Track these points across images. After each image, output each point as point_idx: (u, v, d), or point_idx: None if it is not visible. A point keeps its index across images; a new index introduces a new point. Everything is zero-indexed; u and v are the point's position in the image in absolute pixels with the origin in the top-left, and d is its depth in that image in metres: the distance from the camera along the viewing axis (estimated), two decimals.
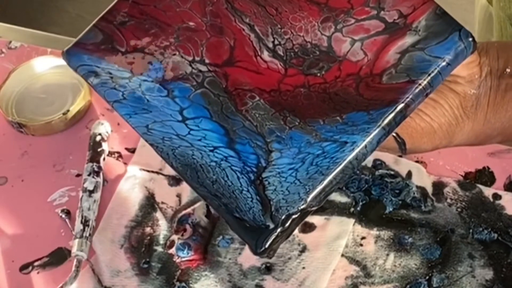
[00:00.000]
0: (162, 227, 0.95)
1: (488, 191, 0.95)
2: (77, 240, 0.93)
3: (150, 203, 0.98)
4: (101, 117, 1.07)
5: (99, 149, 1.01)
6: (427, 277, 0.89)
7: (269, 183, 0.64)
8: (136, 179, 1.00)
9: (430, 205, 0.94)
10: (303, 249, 0.92)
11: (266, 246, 0.63)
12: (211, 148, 0.66)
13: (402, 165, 0.98)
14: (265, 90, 0.67)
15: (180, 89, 0.68)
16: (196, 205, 0.96)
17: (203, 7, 0.71)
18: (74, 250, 0.92)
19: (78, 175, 1.01)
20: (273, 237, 0.63)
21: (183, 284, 0.90)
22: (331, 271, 0.90)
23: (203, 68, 0.69)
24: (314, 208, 0.64)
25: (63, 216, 0.97)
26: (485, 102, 0.72)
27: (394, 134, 0.71)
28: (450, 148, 0.76)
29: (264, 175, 0.64)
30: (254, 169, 0.64)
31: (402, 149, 0.73)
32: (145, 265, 0.92)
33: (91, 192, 0.97)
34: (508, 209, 0.94)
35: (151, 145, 0.68)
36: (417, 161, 0.98)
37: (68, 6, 2.65)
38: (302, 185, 0.63)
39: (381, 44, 0.67)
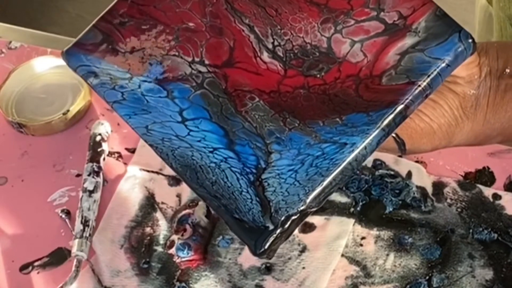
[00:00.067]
0: (162, 227, 0.95)
1: (488, 191, 0.95)
2: (77, 240, 0.93)
3: (150, 203, 0.98)
4: (101, 117, 1.07)
5: (99, 149, 1.01)
6: (427, 277, 0.89)
7: (268, 184, 0.64)
8: (136, 179, 1.00)
9: (430, 205, 0.94)
10: (303, 249, 0.92)
11: (266, 247, 0.63)
12: (211, 149, 0.66)
13: (402, 165, 0.98)
14: (265, 91, 0.67)
15: (179, 90, 0.68)
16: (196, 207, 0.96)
17: (202, 7, 0.71)
18: (74, 250, 0.92)
19: (78, 175, 1.01)
20: (272, 238, 0.63)
21: (183, 284, 0.90)
22: (331, 271, 0.90)
23: (203, 69, 0.69)
24: (313, 209, 0.64)
25: (63, 216, 0.97)
26: (485, 103, 0.72)
27: (394, 135, 0.71)
28: (450, 148, 0.76)
29: (263, 176, 0.64)
30: (254, 170, 0.64)
31: (401, 149, 0.73)
32: (145, 265, 0.92)
33: (91, 192, 0.97)
34: (508, 209, 0.94)
35: (151, 145, 0.68)
36: (417, 161, 0.98)
37: (68, 6, 2.65)
38: (302, 186, 0.63)
39: (380, 46, 0.67)
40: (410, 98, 0.65)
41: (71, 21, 2.59)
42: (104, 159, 1.01)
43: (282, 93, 0.67)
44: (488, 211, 0.93)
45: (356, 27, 0.68)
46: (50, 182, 1.01)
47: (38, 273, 0.93)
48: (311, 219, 0.94)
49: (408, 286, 0.88)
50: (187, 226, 0.94)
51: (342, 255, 0.91)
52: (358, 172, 0.96)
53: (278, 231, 0.63)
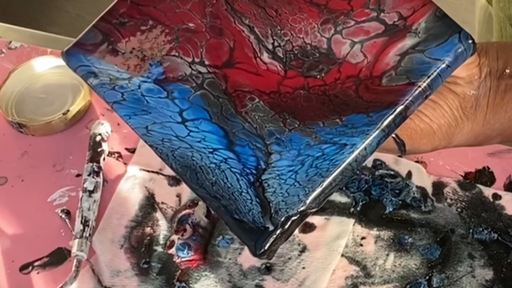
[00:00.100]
0: (162, 227, 0.95)
1: (488, 191, 0.95)
2: (77, 240, 0.93)
3: (150, 203, 0.98)
4: (101, 117, 1.07)
5: (99, 149, 1.01)
6: (427, 277, 0.89)
7: (268, 185, 0.64)
8: (136, 179, 1.00)
9: (430, 205, 0.94)
10: (303, 249, 0.92)
11: (266, 248, 0.63)
12: (211, 150, 0.66)
13: (402, 165, 0.98)
14: (265, 92, 0.67)
15: (179, 90, 0.68)
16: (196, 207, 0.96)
17: (202, 8, 0.71)
18: (74, 250, 0.92)
19: (78, 175, 1.01)
20: (272, 239, 0.63)
21: (183, 284, 0.90)
22: (331, 271, 0.90)
23: (203, 70, 0.69)
24: (313, 210, 0.64)
25: (63, 216, 0.97)
26: (485, 103, 0.72)
27: (394, 135, 0.71)
28: (450, 148, 0.76)
29: (263, 177, 0.64)
30: (254, 171, 0.64)
31: (401, 150, 0.73)
32: (145, 265, 0.92)
33: (91, 192, 0.97)
34: (508, 209, 0.94)
35: (151, 146, 0.68)
36: (417, 161, 0.98)
37: (68, 6, 2.65)
38: (302, 187, 0.63)
39: (381, 46, 0.67)
40: (410, 99, 0.65)
41: (71, 21, 2.59)
42: (104, 159, 1.01)
43: (282, 94, 0.66)
44: (488, 211, 0.93)
45: (356, 28, 0.68)
46: (50, 182, 1.01)
47: (38, 273, 0.93)
48: (311, 219, 0.94)
49: (408, 286, 0.88)
50: (187, 226, 0.95)
51: (342, 255, 0.91)
52: (358, 172, 0.96)
53: (278, 231, 0.63)
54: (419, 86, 0.65)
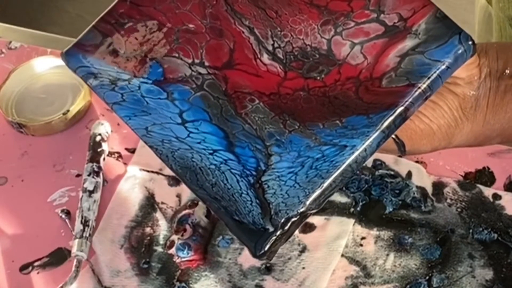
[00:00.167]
0: (162, 227, 0.95)
1: (488, 191, 0.95)
2: (77, 240, 0.93)
3: (150, 203, 0.98)
4: (101, 117, 1.07)
5: (99, 149, 1.01)
6: (427, 277, 0.89)
7: (268, 186, 0.64)
8: (136, 179, 1.00)
9: (430, 205, 0.94)
10: (303, 249, 0.92)
11: (266, 249, 0.63)
12: (211, 151, 0.66)
13: (402, 165, 0.98)
14: (265, 93, 0.67)
15: (179, 91, 0.68)
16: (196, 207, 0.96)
17: (202, 9, 0.71)
18: (74, 250, 0.92)
19: (78, 175, 1.01)
20: (272, 240, 0.63)
21: (183, 284, 0.90)
22: (331, 271, 0.90)
23: (203, 71, 0.68)
24: (313, 211, 0.64)
25: (63, 216, 0.97)
26: (484, 104, 0.72)
27: (394, 136, 0.71)
28: (450, 148, 0.76)
29: (263, 178, 0.64)
30: (254, 173, 0.64)
31: (401, 150, 0.73)
32: (145, 265, 0.92)
33: (91, 192, 0.97)
34: (508, 209, 0.94)
35: (151, 147, 0.68)
36: (417, 161, 0.98)
37: (68, 6, 2.65)
38: (302, 188, 0.63)
39: (381, 48, 0.66)
40: (410, 100, 0.65)
41: (71, 21, 2.59)
42: (104, 159, 1.01)
43: (282, 95, 0.66)
44: (488, 211, 0.93)
45: (356, 29, 0.68)
46: (50, 182, 1.01)
47: (38, 273, 0.93)
48: (311, 219, 0.94)
49: (408, 286, 0.88)
50: (187, 226, 0.95)
51: (342, 255, 0.91)
52: (358, 172, 0.96)
53: (278, 233, 0.63)
54: (419, 88, 0.65)
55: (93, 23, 0.72)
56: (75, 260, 0.91)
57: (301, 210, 0.63)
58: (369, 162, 0.98)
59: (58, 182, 1.01)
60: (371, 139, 0.64)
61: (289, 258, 0.91)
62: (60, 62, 1.06)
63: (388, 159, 0.98)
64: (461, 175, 0.97)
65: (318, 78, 0.67)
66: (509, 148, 0.99)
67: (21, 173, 1.03)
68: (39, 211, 0.98)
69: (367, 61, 0.66)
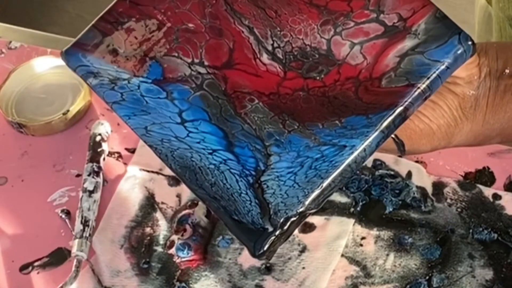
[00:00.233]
0: (162, 227, 0.95)
1: (488, 191, 0.95)
2: (77, 240, 0.93)
3: (150, 203, 0.98)
4: (101, 117, 1.07)
5: (99, 149, 1.01)
6: (427, 277, 0.89)
7: (267, 186, 0.64)
8: (136, 179, 1.00)
9: (430, 205, 0.94)
10: (303, 249, 0.92)
11: (265, 248, 0.63)
12: (210, 151, 0.66)
13: (402, 165, 0.98)
14: (264, 93, 0.67)
15: (179, 91, 0.68)
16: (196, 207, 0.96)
17: (202, 8, 0.71)
18: (74, 250, 0.92)
19: (78, 175, 1.01)
20: (271, 239, 0.63)
21: (183, 284, 0.90)
22: (331, 271, 0.90)
23: (202, 70, 0.68)
24: (313, 211, 0.64)
25: (63, 216, 0.97)
26: (484, 103, 0.72)
27: (393, 136, 0.71)
28: (450, 148, 0.76)
29: (262, 178, 0.64)
30: (253, 173, 0.64)
31: (400, 150, 0.73)
32: (145, 265, 0.92)
33: (91, 192, 0.97)
34: (508, 209, 0.94)
35: (150, 146, 0.68)
36: (417, 161, 0.98)
37: (68, 6, 2.65)
38: (301, 188, 0.63)
39: (380, 48, 0.66)
40: (409, 100, 0.65)
41: (71, 21, 2.59)
42: (104, 159, 1.01)
43: (282, 95, 0.66)
44: (488, 211, 0.93)
45: (355, 29, 0.67)
46: (50, 182, 1.01)
47: (38, 273, 0.93)
48: (311, 219, 0.94)
49: (408, 286, 0.88)
50: (187, 226, 0.95)
51: (342, 255, 0.91)
52: (358, 172, 0.96)
53: (277, 232, 0.63)
54: (419, 88, 0.65)
55: (93, 22, 0.72)
56: (75, 260, 0.91)
57: (300, 210, 0.63)
58: (369, 162, 0.98)
59: (58, 182, 1.01)
60: (370, 139, 0.64)
61: (289, 258, 0.91)
62: (60, 62, 1.06)
63: (388, 159, 0.98)
64: (461, 175, 0.97)
65: (318, 78, 0.67)
66: (509, 148, 0.99)
67: (21, 173, 1.03)
68: (39, 211, 0.98)
69: (367, 61, 0.66)
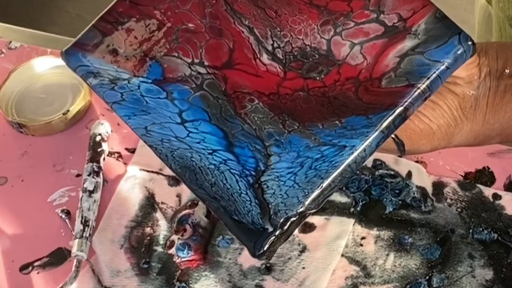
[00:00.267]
0: (162, 227, 0.95)
1: (488, 191, 0.95)
2: (77, 240, 0.93)
3: (150, 203, 0.98)
4: (101, 117, 1.07)
5: (99, 149, 1.01)
6: (427, 277, 0.89)
7: (267, 186, 0.64)
8: (136, 179, 1.00)
9: (430, 205, 0.94)
10: (303, 249, 0.92)
11: (265, 248, 0.63)
12: (210, 151, 0.66)
13: (402, 165, 0.98)
14: (264, 93, 0.67)
15: (179, 91, 0.68)
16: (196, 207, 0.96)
17: (202, 8, 0.71)
18: (74, 250, 0.92)
19: (78, 175, 1.01)
20: (271, 239, 0.63)
21: (183, 284, 0.90)
22: (331, 271, 0.90)
23: (202, 70, 0.68)
24: (312, 211, 0.64)
25: (63, 216, 0.97)
26: (484, 103, 0.72)
27: (393, 136, 0.71)
28: (450, 148, 0.76)
29: (262, 178, 0.64)
30: (253, 173, 0.64)
31: (400, 150, 0.73)
32: (145, 265, 0.92)
33: (91, 192, 0.97)
34: (508, 209, 0.94)
35: (150, 146, 0.68)
36: (417, 161, 0.98)
37: (68, 6, 2.65)
38: (301, 188, 0.63)
39: (380, 48, 0.66)
40: (409, 100, 0.65)
41: (71, 21, 2.59)
42: (104, 159, 1.01)
43: (282, 95, 0.66)
44: (488, 211, 0.93)
45: (355, 29, 0.67)
46: (50, 182, 1.01)
47: (38, 273, 0.93)
48: (311, 219, 0.94)
49: (408, 286, 0.88)
50: (187, 226, 0.95)
51: (342, 255, 0.91)
52: (358, 172, 0.96)
53: (277, 233, 0.63)
54: (419, 88, 0.65)
55: (93, 22, 0.72)
56: (75, 260, 0.91)
57: (300, 210, 0.63)
58: (369, 162, 0.98)
59: (58, 182, 1.01)
60: (370, 139, 0.64)
61: (289, 258, 0.91)
62: (60, 62, 1.06)
63: (388, 159, 0.98)
64: (461, 175, 0.97)
65: (318, 78, 0.67)
66: (509, 148, 0.99)
67: (21, 173, 1.03)
68: (39, 211, 0.98)
69: (367, 61, 0.66)
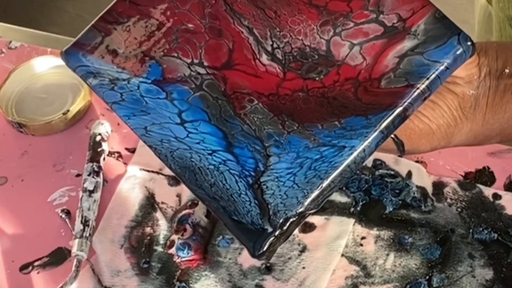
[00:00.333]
0: (162, 227, 0.95)
1: (488, 191, 0.95)
2: (77, 240, 0.93)
3: (150, 203, 0.98)
4: (101, 117, 1.07)
5: (99, 149, 1.01)
6: (427, 277, 0.89)
7: (267, 187, 0.64)
8: (136, 179, 1.00)
9: (430, 205, 0.94)
10: (303, 249, 0.92)
11: (264, 249, 0.63)
12: (210, 152, 0.66)
13: (402, 165, 0.98)
14: (264, 93, 0.67)
15: (178, 91, 0.68)
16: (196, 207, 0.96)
17: (202, 9, 0.71)
18: (74, 250, 0.92)
19: (78, 175, 1.01)
20: (271, 240, 0.63)
21: (183, 284, 0.90)
22: (331, 271, 0.90)
23: (202, 71, 0.68)
24: (312, 211, 0.64)
25: (63, 216, 0.97)
26: (484, 103, 0.72)
27: (393, 136, 0.71)
28: (450, 148, 0.76)
29: (262, 179, 0.64)
30: (252, 173, 0.64)
31: (400, 150, 0.73)
32: (145, 265, 0.92)
33: (91, 192, 0.97)
34: (508, 209, 0.93)
35: (150, 146, 0.68)
36: (417, 161, 0.98)
37: (68, 6, 2.65)
38: (300, 189, 0.63)
39: (380, 48, 0.66)
40: (408, 101, 0.65)
41: (71, 21, 2.59)
42: (104, 159, 1.01)
43: (281, 96, 0.66)
44: (488, 211, 0.93)
45: (355, 29, 0.67)
46: (50, 182, 1.01)
47: (38, 273, 0.93)
48: (311, 219, 0.94)
49: (408, 286, 0.88)
50: (187, 226, 0.95)
51: (342, 255, 0.91)
52: (358, 172, 0.96)
53: (277, 233, 0.63)
54: (418, 88, 0.65)
55: (93, 22, 0.72)
56: (75, 260, 0.91)
57: (300, 210, 0.63)
58: (369, 162, 0.98)
59: (58, 182, 1.01)
60: (369, 139, 0.64)
61: (289, 258, 0.91)
62: (60, 62, 1.06)
63: (388, 158, 0.98)
64: (461, 175, 0.97)
65: (317, 79, 0.67)
66: (509, 148, 0.98)
67: (21, 173, 1.03)
68: (39, 211, 0.98)
69: (366, 61, 0.66)
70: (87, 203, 0.96)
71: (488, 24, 1.17)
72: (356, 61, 0.66)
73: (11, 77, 1.09)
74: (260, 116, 0.66)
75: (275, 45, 0.68)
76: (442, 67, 0.65)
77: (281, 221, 0.63)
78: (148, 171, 1.00)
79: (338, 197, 0.95)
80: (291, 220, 0.63)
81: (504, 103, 0.72)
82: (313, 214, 0.65)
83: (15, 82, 1.09)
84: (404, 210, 0.94)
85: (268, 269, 0.91)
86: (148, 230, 0.95)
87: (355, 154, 0.64)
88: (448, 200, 0.95)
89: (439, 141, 0.73)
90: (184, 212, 0.96)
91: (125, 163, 1.02)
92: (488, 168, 0.97)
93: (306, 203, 0.63)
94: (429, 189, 0.96)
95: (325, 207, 0.94)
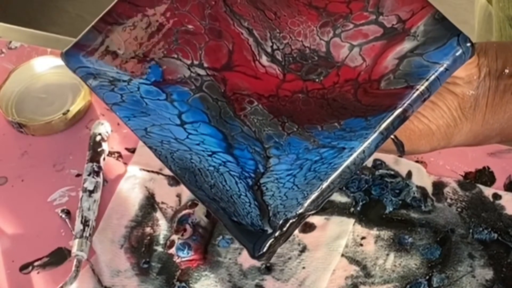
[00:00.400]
0: (162, 227, 0.95)
1: (488, 191, 0.95)
2: (77, 240, 0.93)
3: (150, 203, 0.98)
4: (101, 117, 1.07)
5: (99, 149, 1.01)
6: (427, 277, 0.89)
7: (267, 188, 0.64)
8: (136, 179, 1.00)
9: (430, 205, 0.94)
10: (303, 249, 0.92)
11: (264, 250, 0.63)
12: (210, 153, 0.66)
13: (402, 165, 0.98)
14: (264, 95, 0.67)
15: (178, 93, 0.68)
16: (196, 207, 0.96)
17: (202, 10, 0.71)
18: (74, 250, 0.92)
19: (78, 175, 1.01)
20: (270, 241, 0.63)
21: (183, 284, 0.90)
22: (331, 271, 0.90)
23: (202, 72, 0.68)
24: (312, 212, 0.64)
25: (63, 216, 0.97)
26: (484, 103, 0.72)
27: (392, 136, 0.71)
28: (450, 148, 0.76)
29: (262, 180, 0.64)
30: (252, 175, 0.64)
31: (400, 150, 0.73)
32: (145, 265, 0.92)
33: (91, 192, 0.97)
34: (508, 209, 0.93)
35: (150, 148, 0.68)
36: (417, 161, 0.98)
37: (68, 6, 2.65)
38: (300, 190, 0.63)
39: (379, 50, 0.66)
40: (408, 102, 0.65)
41: (71, 21, 2.59)
42: (104, 159, 1.01)
43: (281, 97, 0.66)
44: (488, 211, 0.93)
45: (355, 31, 0.67)
46: (50, 182, 1.01)
47: (38, 273, 0.93)
48: (311, 219, 0.94)
49: (408, 286, 0.88)
50: (187, 226, 0.95)
51: (342, 255, 0.91)
52: (358, 172, 0.96)
53: (277, 234, 0.63)
54: (418, 89, 0.65)
55: (93, 23, 0.72)
56: (75, 260, 0.91)
57: (299, 211, 0.63)
58: (369, 162, 0.98)
59: (58, 182, 1.01)
60: (369, 141, 0.64)
61: (289, 258, 0.91)
62: (60, 62, 1.06)
63: (388, 159, 0.98)
64: (461, 175, 0.97)
65: (317, 80, 0.67)
66: (509, 148, 0.98)
67: (21, 173, 1.03)
68: (39, 211, 0.98)
69: (366, 63, 0.66)
70: (87, 203, 0.96)
71: (488, 24, 1.17)
72: (356, 62, 0.66)
73: (11, 77, 1.09)
74: (260, 118, 0.66)
75: (275, 47, 0.68)
76: (441, 69, 0.65)
77: (280, 222, 0.63)
78: (148, 171, 1.00)
79: (338, 197, 0.96)
80: (291, 221, 0.63)
81: (504, 103, 0.72)
82: (313, 214, 0.65)
83: (15, 82, 1.09)
84: (404, 210, 0.94)
85: (268, 269, 0.91)
86: (148, 230, 0.95)
87: (354, 155, 0.64)
88: (448, 200, 0.95)
89: (439, 141, 0.73)
90: (184, 212, 0.96)
91: (125, 163, 1.02)
92: (488, 168, 0.97)
93: (305, 204, 0.63)
94: (429, 189, 0.96)
95: (325, 207, 0.94)
